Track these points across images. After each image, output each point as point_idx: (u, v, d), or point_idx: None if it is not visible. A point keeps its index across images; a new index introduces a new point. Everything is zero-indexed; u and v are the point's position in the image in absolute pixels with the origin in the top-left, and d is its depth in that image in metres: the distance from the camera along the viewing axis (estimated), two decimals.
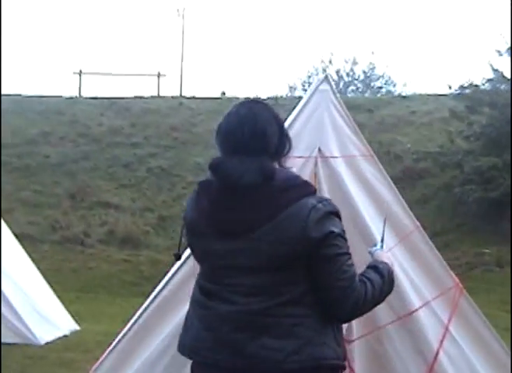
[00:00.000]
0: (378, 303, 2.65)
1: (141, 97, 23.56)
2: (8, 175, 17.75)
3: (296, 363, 2.42)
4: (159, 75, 26.19)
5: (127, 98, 23.21)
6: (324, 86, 3.96)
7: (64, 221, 16.45)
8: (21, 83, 49.16)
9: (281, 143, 2.57)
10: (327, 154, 3.90)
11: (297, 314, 2.45)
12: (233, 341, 2.45)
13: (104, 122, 21.23)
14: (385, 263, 2.73)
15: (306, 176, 3.69)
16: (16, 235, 9.44)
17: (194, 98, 23.67)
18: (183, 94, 25.70)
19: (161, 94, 25.27)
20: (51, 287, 9.44)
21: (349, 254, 2.51)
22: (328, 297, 2.47)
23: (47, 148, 19.78)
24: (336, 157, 3.90)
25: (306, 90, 35.97)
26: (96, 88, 38.80)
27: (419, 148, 18.23)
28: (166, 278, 4.00)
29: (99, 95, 23.58)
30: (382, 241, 3.07)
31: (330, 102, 3.93)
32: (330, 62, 36.42)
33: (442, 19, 63.26)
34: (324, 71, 36.59)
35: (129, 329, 3.98)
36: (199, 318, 2.57)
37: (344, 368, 2.61)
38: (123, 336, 4.01)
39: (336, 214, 2.51)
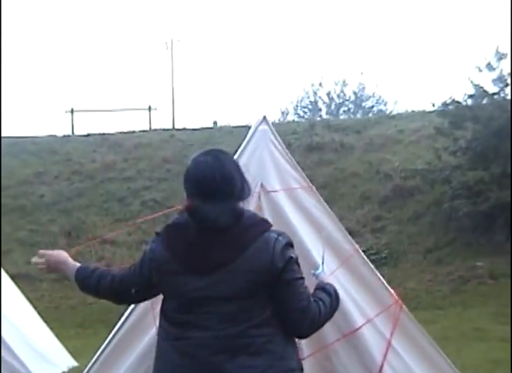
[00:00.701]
0: (329, 319, 3.00)
1: (133, 132, 23.82)
2: (4, 216, 18.01)
3: None
4: (150, 109, 26.49)
5: (119, 133, 23.51)
6: (263, 126, 4.31)
7: None
8: (13, 125, 49.63)
9: (242, 187, 2.90)
10: (269, 188, 4.25)
11: (267, 333, 2.79)
12: (212, 364, 2.75)
13: (97, 158, 21.50)
14: (330, 284, 3.10)
15: (251, 209, 3.99)
16: (15, 275, 9.59)
17: (185, 129, 23.94)
18: (176, 126, 25.97)
19: (153, 127, 25.51)
20: (50, 324, 9.54)
21: (304, 278, 2.88)
22: (289, 317, 2.82)
23: (41, 187, 20.08)
24: (277, 190, 4.24)
25: (298, 114, 36.51)
26: (88, 125, 39.10)
27: (408, 165, 18.28)
28: (127, 312, 4.29)
29: (91, 132, 23.86)
30: (323, 264, 3.41)
31: (269, 141, 4.29)
32: (320, 85, 36.89)
33: (426, 36, 64.18)
34: (315, 93, 37.00)
35: (95, 362, 4.24)
36: (174, 348, 2.83)
37: None
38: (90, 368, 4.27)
39: (291, 245, 2.88)
